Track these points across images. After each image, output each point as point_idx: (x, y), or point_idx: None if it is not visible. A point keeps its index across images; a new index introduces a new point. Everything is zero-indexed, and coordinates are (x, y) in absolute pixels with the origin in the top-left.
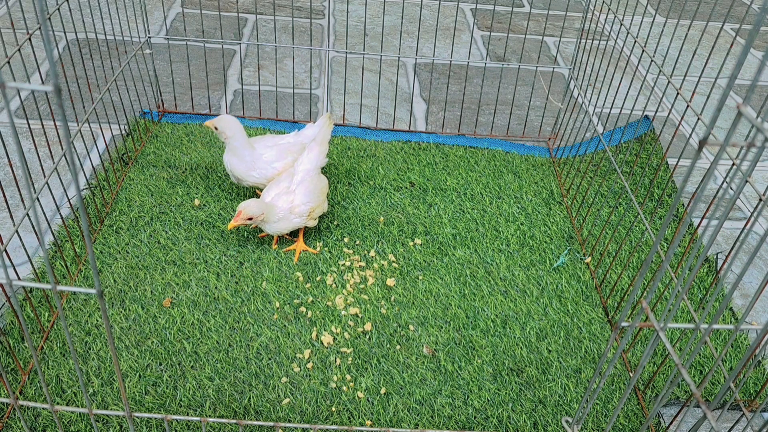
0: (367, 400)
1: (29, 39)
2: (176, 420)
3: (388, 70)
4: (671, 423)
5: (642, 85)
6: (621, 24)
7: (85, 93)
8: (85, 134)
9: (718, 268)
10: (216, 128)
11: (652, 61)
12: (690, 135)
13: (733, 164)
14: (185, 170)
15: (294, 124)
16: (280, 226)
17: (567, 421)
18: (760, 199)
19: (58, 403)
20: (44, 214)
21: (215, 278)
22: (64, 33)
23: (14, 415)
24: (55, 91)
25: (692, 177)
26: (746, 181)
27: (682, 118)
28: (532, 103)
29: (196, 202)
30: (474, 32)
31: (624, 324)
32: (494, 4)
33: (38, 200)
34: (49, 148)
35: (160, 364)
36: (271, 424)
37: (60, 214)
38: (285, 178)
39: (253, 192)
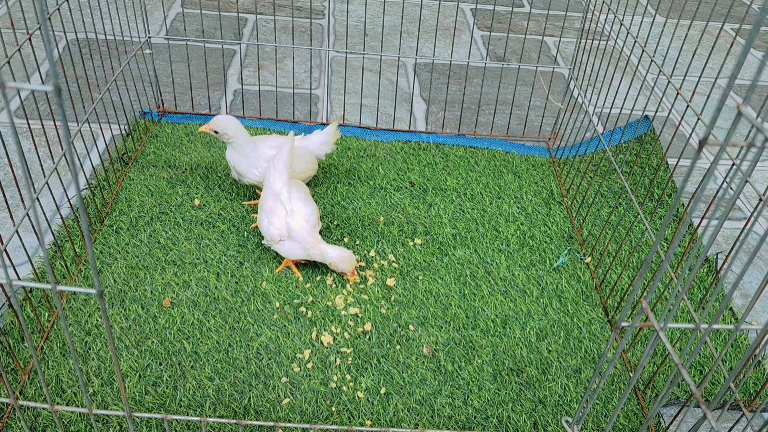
0: (367, 400)
1: (29, 39)
2: (176, 420)
3: (388, 70)
4: (671, 423)
5: (642, 85)
6: (621, 24)
7: (85, 93)
8: (85, 134)
9: (718, 268)
10: (216, 132)
11: (652, 61)
12: (690, 135)
13: (733, 164)
14: (185, 170)
15: (294, 124)
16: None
17: (567, 421)
18: (760, 199)
19: (58, 403)
20: (44, 214)
21: (215, 278)
22: (64, 33)
23: (14, 415)
24: (55, 91)
25: (692, 177)
26: (746, 181)
27: (682, 118)
28: (532, 103)
29: (196, 202)
30: (474, 32)
31: (624, 324)
32: (494, 4)
33: (38, 200)
34: (49, 148)
35: (160, 364)
36: (271, 424)
37: (60, 214)
38: (272, 206)
39: (253, 191)
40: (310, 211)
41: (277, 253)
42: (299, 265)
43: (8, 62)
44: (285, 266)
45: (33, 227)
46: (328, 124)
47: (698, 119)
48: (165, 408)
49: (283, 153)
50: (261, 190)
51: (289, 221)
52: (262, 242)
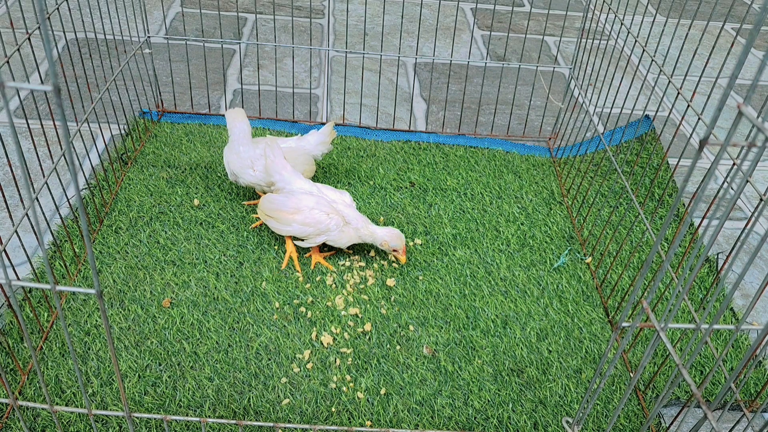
0: (367, 400)
1: (28, 39)
2: (176, 420)
3: (388, 69)
4: (672, 423)
5: (642, 85)
6: (621, 23)
7: (85, 93)
8: (84, 134)
9: (719, 268)
10: None
11: (652, 60)
12: (691, 135)
13: (734, 164)
14: (185, 170)
15: (294, 124)
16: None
17: (567, 422)
18: (761, 199)
19: (57, 404)
20: (43, 214)
21: (215, 278)
22: (64, 33)
23: (13, 415)
24: (55, 91)
25: (693, 177)
26: (747, 181)
27: (682, 117)
28: (533, 103)
29: (196, 202)
30: (474, 32)
31: (625, 324)
32: (494, 3)
33: (37, 200)
34: (49, 148)
35: (160, 365)
36: (271, 424)
37: (59, 214)
38: (314, 200)
39: (252, 191)
40: (348, 197)
41: (276, 253)
42: (300, 263)
43: (8, 62)
44: (288, 258)
45: (32, 227)
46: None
47: (699, 119)
48: (164, 408)
49: (278, 158)
50: (263, 192)
51: (340, 208)
52: (301, 243)
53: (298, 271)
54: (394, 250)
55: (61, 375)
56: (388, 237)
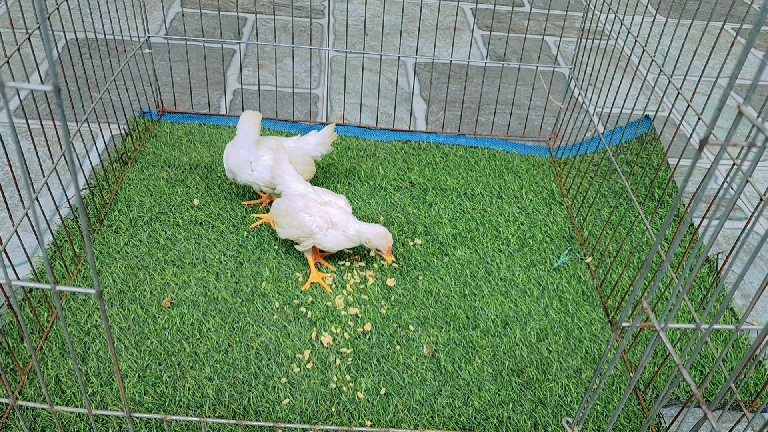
0: (367, 400)
1: (28, 39)
2: (176, 420)
3: (388, 69)
4: (672, 423)
5: (642, 85)
6: (621, 23)
7: (85, 93)
8: (84, 134)
9: (719, 268)
10: None
11: (652, 60)
12: (691, 135)
13: (734, 164)
14: (184, 170)
15: (294, 124)
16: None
17: (567, 422)
18: (761, 199)
19: (57, 404)
20: (43, 214)
21: (215, 278)
22: (64, 33)
23: (13, 415)
24: (55, 91)
25: (693, 177)
26: (747, 181)
27: (682, 117)
28: (533, 103)
29: (196, 202)
30: (474, 32)
31: (625, 324)
32: (494, 3)
33: (37, 200)
34: (49, 148)
35: (160, 365)
36: (271, 424)
37: (59, 214)
38: (304, 203)
39: (252, 191)
40: (343, 201)
41: (276, 253)
42: (299, 264)
43: (8, 62)
44: (315, 260)
45: (32, 227)
46: (327, 124)
47: (699, 119)
48: (164, 408)
49: (284, 162)
50: (263, 192)
51: (327, 209)
52: (296, 248)
53: (329, 291)
54: (378, 250)
55: (61, 375)
56: (372, 235)
